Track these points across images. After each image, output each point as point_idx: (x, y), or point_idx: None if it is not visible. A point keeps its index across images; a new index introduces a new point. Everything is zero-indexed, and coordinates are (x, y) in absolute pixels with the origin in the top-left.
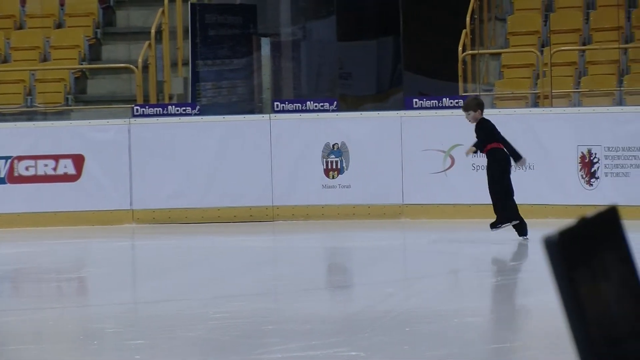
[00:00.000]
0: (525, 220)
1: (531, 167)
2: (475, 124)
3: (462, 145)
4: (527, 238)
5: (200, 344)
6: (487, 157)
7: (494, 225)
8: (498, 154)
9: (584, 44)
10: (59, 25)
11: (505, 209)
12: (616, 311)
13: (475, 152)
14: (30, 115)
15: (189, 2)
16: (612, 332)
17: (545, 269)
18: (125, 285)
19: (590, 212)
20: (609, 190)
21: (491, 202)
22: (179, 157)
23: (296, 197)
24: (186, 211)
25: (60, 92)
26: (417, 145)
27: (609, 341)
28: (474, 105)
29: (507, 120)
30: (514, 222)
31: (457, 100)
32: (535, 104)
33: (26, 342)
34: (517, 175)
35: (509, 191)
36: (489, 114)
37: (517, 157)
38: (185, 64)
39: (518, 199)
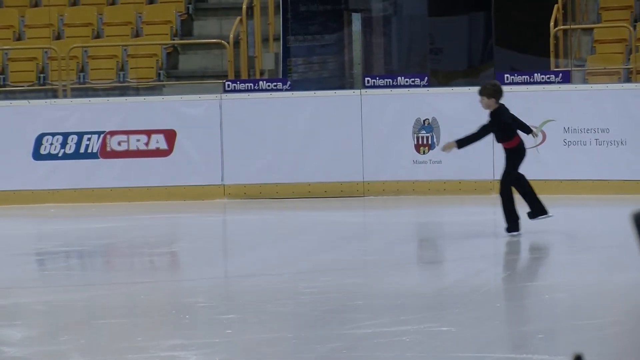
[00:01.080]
0: (542, 208)
1: (623, 142)
2: (489, 111)
3: (554, 121)
4: (518, 234)
5: (290, 318)
6: (506, 153)
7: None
8: (516, 153)
9: None
10: (151, 1)
11: (510, 218)
12: None
13: (455, 148)
14: (122, 91)
15: None
16: None
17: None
18: (216, 259)
19: None
20: None
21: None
22: (269, 133)
23: (387, 173)
24: (277, 186)
25: (152, 68)
26: None
27: None
28: (489, 92)
29: (600, 96)
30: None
31: (548, 76)
32: (628, 79)
33: (118, 316)
34: (611, 152)
35: (515, 189)
36: (581, 89)
37: (529, 131)
38: (276, 39)
39: (616, 175)
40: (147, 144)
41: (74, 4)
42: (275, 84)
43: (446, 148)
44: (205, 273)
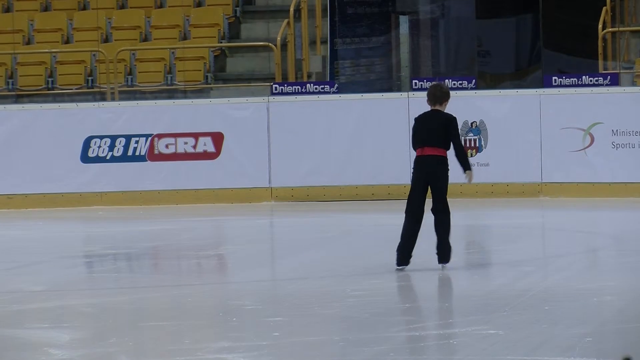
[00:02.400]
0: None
1: None
2: (443, 115)
3: (602, 124)
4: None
5: (337, 321)
6: (443, 164)
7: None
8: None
9: None
10: (199, 4)
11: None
12: None
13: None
14: (170, 93)
15: None
16: None
17: None
18: (264, 262)
19: None
20: None
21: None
22: (317, 135)
23: None
24: (324, 189)
25: (200, 70)
26: (556, 124)
27: None
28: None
29: None
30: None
31: (596, 78)
32: None
33: (165, 319)
34: None
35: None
36: (630, 91)
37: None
38: (323, 42)
39: None
40: (194, 146)
41: (122, 7)
42: (323, 86)
43: (471, 178)
44: (253, 276)
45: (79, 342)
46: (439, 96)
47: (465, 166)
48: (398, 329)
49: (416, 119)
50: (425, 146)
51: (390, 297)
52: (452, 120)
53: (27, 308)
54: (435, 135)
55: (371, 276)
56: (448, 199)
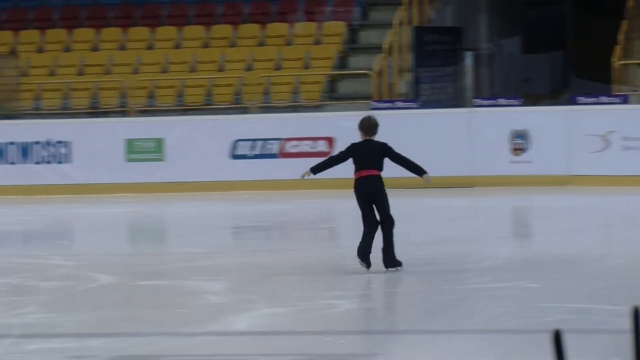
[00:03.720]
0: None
1: None
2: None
3: (616, 132)
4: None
5: (416, 277)
6: (376, 185)
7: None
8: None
9: None
10: (317, 42)
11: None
12: None
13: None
14: (295, 108)
15: (412, 25)
16: None
17: None
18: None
19: None
20: None
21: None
22: (404, 140)
23: (489, 169)
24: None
25: (317, 92)
26: (580, 131)
27: None
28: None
29: None
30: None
31: (611, 98)
32: None
33: (291, 274)
34: None
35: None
36: (636, 108)
37: None
38: (408, 70)
39: None
40: (313, 147)
41: (261, 44)
42: (409, 103)
43: (428, 179)
44: (352, 243)
45: (228, 290)
46: (373, 126)
47: (420, 172)
48: (462, 283)
49: (352, 145)
50: (363, 169)
51: (455, 259)
52: (386, 145)
53: (190, 265)
54: (374, 160)
55: (439, 243)
56: (499, 187)
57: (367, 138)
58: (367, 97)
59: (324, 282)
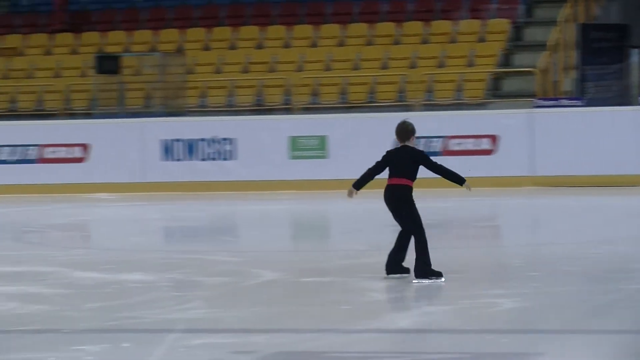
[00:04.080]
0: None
1: None
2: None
3: None
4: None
5: (578, 276)
6: (394, 195)
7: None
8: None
9: None
10: (481, 40)
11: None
12: None
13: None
14: (458, 106)
15: (578, 23)
16: None
17: None
18: (525, 232)
19: None
20: None
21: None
22: (569, 137)
23: None
24: (578, 177)
25: (481, 89)
26: None
27: None
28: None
29: None
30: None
31: None
32: None
33: (453, 272)
34: None
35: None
36: None
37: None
38: (573, 68)
39: None
40: (476, 145)
41: (425, 42)
42: (574, 101)
43: (469, 187)
44: (519, 241)
45: (390, 288)
46: (407, 131)
47: (459, 181)
48: (627, 283)
49: (387, 152)
50: (393, 177)
51: (620, 259)
52: (422, 154)
53: (354, 262)
54: (404, 168)
55: (601, 243)
56: None
57: (403, 144)
58: (531, 95)
59: (486, 281)
